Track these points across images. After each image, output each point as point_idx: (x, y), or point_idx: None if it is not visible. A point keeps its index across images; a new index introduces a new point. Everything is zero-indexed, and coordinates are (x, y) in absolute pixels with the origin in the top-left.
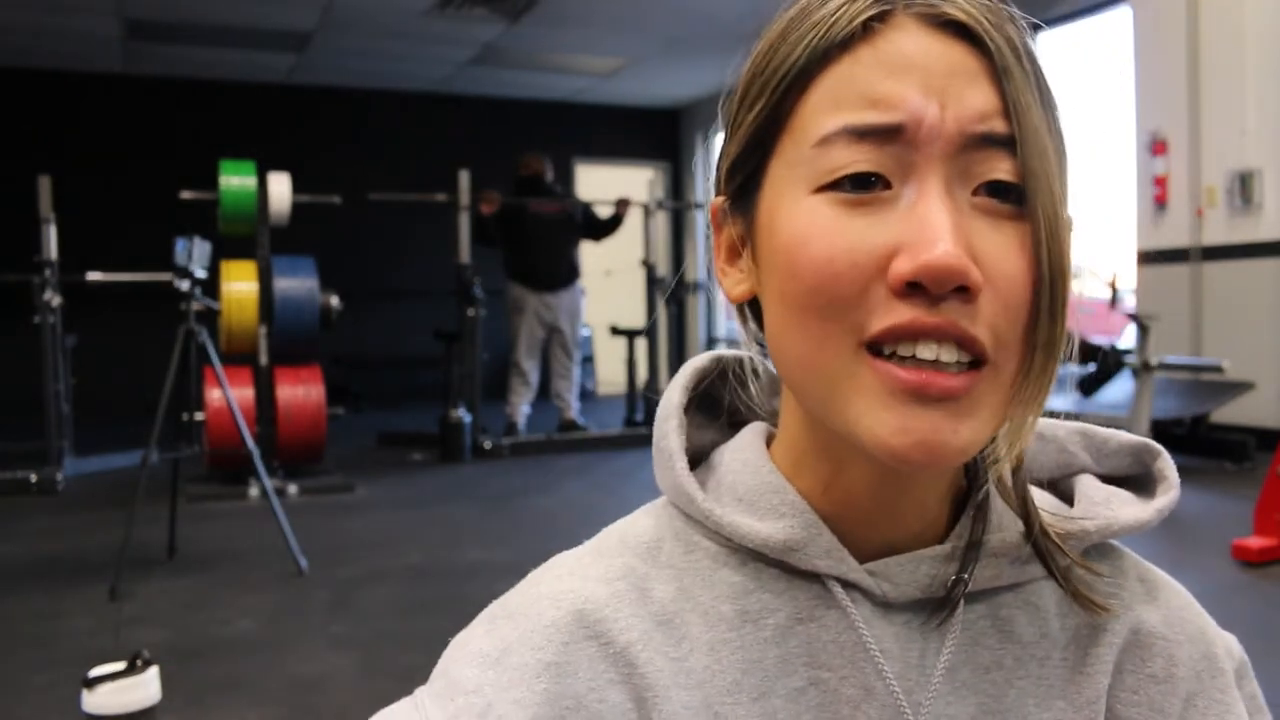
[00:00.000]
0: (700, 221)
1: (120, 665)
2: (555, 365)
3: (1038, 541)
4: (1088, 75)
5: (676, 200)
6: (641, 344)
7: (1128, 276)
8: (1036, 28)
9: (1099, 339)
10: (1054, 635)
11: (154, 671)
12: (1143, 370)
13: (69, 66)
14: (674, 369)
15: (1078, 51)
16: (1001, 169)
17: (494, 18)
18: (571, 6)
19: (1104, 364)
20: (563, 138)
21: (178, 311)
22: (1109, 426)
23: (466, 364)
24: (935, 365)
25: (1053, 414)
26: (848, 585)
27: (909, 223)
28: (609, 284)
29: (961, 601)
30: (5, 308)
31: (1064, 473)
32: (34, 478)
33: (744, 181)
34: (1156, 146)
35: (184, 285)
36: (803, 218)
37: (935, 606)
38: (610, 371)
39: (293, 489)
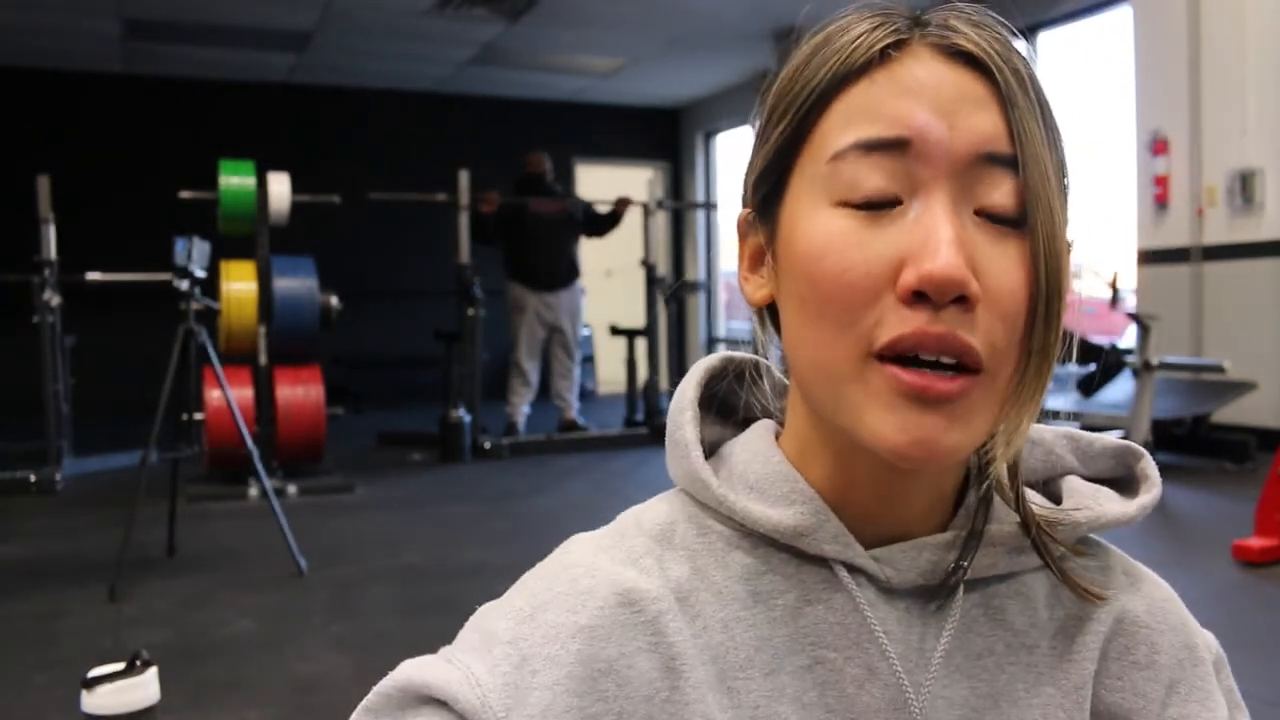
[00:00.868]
0: (700, 221)
1: (119, 665)
2: (555, 365)
3: (1035, 533)
4: (1088, 75)
5: (676, 200)
6: (641, 344)
7: (1128, 276)
8: (1033, 29)
9: (1100, 339)
10: (1043, 624)
11: (153, 672)
12: (1143, 370)
13: (69, 66)
14: (674, 369)
15: (1078, 51)
16: (1003, 190)
17: (494, 18)
18: (571, 6)
19: (1105, 364)
20: (563, 138)
21: (177, 311)
22: (1110, 426)
23: (466, 364)
24: (935, 367)
25: (1054, 413)
26: (853, 570)
27: (915, 234)
28: (609, 284)
29: (961, 587)
30: (5, 308)
31: (1052, 474)
32: (33, 478)
33: (768, 194)
34: (1157, 146)
35: (183, 285)
36: (820, 231)
37: (935, 592)
38: (610, 371)
39: (292, 489)
